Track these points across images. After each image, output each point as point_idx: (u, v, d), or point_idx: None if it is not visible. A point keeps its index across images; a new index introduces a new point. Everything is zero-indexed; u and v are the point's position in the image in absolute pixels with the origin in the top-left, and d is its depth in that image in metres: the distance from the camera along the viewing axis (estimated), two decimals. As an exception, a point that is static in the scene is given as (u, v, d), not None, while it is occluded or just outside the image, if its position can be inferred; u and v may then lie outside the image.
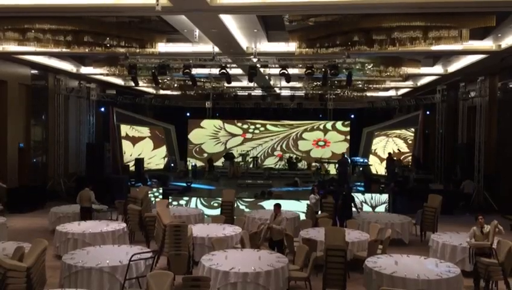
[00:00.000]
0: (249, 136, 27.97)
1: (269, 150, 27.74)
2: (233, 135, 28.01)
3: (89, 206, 12.97)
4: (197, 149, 27.94)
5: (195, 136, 28.06)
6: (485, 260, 8.72)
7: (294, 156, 26.74)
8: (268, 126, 28.03)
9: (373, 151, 26.22)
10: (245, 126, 28.13)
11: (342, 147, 26.41)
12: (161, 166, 26.08)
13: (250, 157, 26.28)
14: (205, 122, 28.14)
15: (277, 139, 27.89)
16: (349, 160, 22.66)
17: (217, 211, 14.84)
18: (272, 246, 10.06)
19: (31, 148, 19.15)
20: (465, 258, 9.73)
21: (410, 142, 24.46)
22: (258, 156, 27.31)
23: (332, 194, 14.20)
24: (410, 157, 23.70)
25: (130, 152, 25.40)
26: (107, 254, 8.63)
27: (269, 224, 10.10)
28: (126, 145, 25.42)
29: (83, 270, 7.93)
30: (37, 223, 14.64)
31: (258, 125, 28.08)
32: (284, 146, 27.70)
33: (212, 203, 15.98)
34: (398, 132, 25.38)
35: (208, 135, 28.06)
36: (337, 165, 22.21)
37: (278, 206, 10.39)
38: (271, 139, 27.90)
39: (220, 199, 15.31)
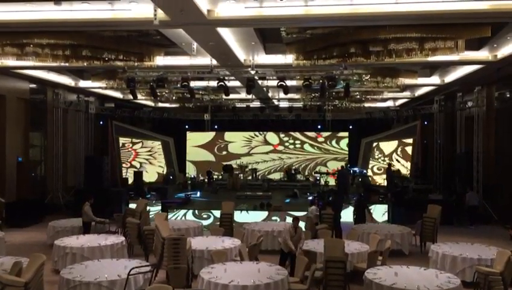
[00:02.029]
0: (280, 148, 27.98)
1: (284, 167, 27.36)
2: (267, 143, 28.09)
3: (86, 221, 12.92)
4: (222, 146, 28.11)
5: (232, 135, 28.28)
6: (484, 270, 8.69)
7: (294, 167, 26.72)
8: (306, 145, 27.99)
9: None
10: (285, 138, 28.17)
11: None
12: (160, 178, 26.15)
13: (249, 169, 26.25)
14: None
15: (302, 159, 27.77)
16: (351, 171, 22.67)
17: (207, 222, 15.34)
18: (284, 258, 10.02)
19: (30, 162, 19.13)
20: (466, 268, 9.72)
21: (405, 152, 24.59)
22: (263, 168, 27.30)
23: (331, 206, 14.18)
24: (408, 167, 23.71)
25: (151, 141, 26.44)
26: (106, 268, 8.59)
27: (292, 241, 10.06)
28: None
29: (81, 285, 7.89)
30: (35, 238, 14.57)
31: (297, 142, 28.06)
32: (301, 167, 27.46)
33: (202, 214, 16.13)
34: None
35: (244, 136, 28.20)
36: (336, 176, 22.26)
37: (297, 220, 10.32)
38: (297, 157, 27.82)
39: (212, 210, 15.81)
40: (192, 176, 25.17)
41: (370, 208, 16.41)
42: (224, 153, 27.99)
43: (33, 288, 7.63)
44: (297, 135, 28.11)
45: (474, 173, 18.52)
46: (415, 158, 23.59)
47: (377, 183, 24.21)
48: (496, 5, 9.55)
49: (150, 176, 25.96)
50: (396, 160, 24.37)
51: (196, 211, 16.34)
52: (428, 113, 22.51)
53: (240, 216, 15.73)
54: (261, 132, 28.26)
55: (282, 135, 28.12)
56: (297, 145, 28.04)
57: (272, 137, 28.25)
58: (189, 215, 16.18)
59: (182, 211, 16.43)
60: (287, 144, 28.12)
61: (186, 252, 9.14)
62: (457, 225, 16.35)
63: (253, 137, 28.29)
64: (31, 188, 18.84)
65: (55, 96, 20.36)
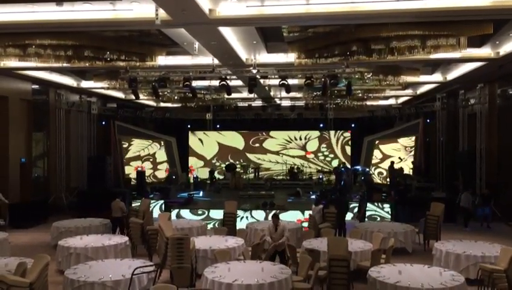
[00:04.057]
0: (310, 156, 27.74)
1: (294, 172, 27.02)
2: (303, 149, 27.94)
3: (119, 216, 13.62)
4: (261, 138, 28.23)
5: (277, 133, 28.22)
6: (488, 267, 8.68)
7: (296, 166, 26.68)
8: (334, 162, 27.68)
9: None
10: (324, 149, 27.90)
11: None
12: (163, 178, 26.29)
13: (251, 168, 26.25)
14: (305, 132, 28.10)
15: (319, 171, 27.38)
16: (342, 169, 22.59)
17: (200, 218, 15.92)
18: (273, 256, 10.05)
19: (33, 163, 19.18)
20: (469, 266, 9.72)
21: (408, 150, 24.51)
22: (276, 169, 27.30)
23: (334, 204, 14.20)
24: (411, 165, 23.66)
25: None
26: (110, 268, 8.61)
27: (274, 242, 10.08)
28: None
29: (86, 285, 7.92)
30: (39, 238, 14.61)
31: (331, 155, 27.66)
32: (310, 178, 27.12)
33: (197, 211, 16.62)
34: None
35: (289, 136, 28.11)
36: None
37: (276, 217, 10.39)
38: (317, 169, 27.47)
39: (203, 209, 16.38)
40: (195, 176, 25.24)
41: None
42: (257, 145, 28.09)
43: (38, 288, 7.66)
44: (338, 151, 27.59)
45: (476, 171, 18.49)
46: (417, 156, 23.55)
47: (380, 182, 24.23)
48: (498, 2, 9.52)
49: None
50: (399, 158, 24.30)
51: (190, 211, 16.69)
52: (430, 111, 22.47)
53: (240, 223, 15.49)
54: (307, 137, 28.02)
55: (323, 146, 27.72)
56: (328, 159, 27.69)
57: (312, 145, 27.95)
58: (185, 213, 16.52)
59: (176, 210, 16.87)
60: (319, 154, 27.83)
61: (189, 252, 9.16)
62: (460, 223, 16.30)
63: (295, 140, 28.09)
64: (34, 189, 18.90)
65: (57, 97, 20.39)
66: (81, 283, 7.94)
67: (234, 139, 28.44)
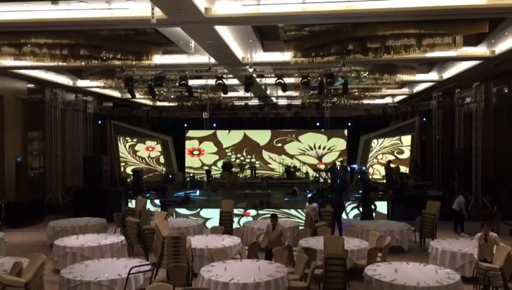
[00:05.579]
0: (321, 166, 26.95)
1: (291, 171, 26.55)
2: (317, 157, 27.51)
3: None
4: (288, 140, 27.69)
5: (307, 137, 27.77)
6: (484, 265, 8.71)
7: (293, 164, 26.65)
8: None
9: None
10: (338, 162, 26.62)
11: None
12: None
13: (248, 168, 26.23)
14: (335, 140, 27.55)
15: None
16: (338, 167, 22.61)
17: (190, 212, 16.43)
18: (269, 255, 10.08)
19: (29, 163, 19.11)
20: (465, 264, 9.76)
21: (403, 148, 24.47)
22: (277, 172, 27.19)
23: (331, 203, 14.21)
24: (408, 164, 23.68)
25: None
26: (106, 268, 8.60)
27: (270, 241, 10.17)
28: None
29: (82, 285, 7.89)
30: (35, 238, 14.57)
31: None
32: (307, 176, 26.70)
33: (191, 208, 16.85)
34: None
35: (315, 143, 27.62)
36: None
37: (274, 218, 10.47)
38: (314, 168, 27.21)
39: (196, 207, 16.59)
40: (191, 174, 25.22)
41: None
42: (279, 145, 27.63)
43: (33, 288, 7.64)
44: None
45: (472, 169, 18.53)
46: (413, 155, 23.61)
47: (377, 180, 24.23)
48: (494, 1, 9.55)
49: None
50: (396, 157, 24.30)
51: (184, 209, 16.95)
52: (426, 109, 22.53)
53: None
54: (330, 148, 27.44)
55: (340, 159, 26.65)
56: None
57: (330, 156, 27.28)
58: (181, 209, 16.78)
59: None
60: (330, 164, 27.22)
61: (186, 251, 9.16)
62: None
63: (317, 148, 27.49)
64: (30, 188, 18.83)
65: (53, 96, 20.31)
66: (77, 282, 7.92)
67: (262, 134, 27.88)
